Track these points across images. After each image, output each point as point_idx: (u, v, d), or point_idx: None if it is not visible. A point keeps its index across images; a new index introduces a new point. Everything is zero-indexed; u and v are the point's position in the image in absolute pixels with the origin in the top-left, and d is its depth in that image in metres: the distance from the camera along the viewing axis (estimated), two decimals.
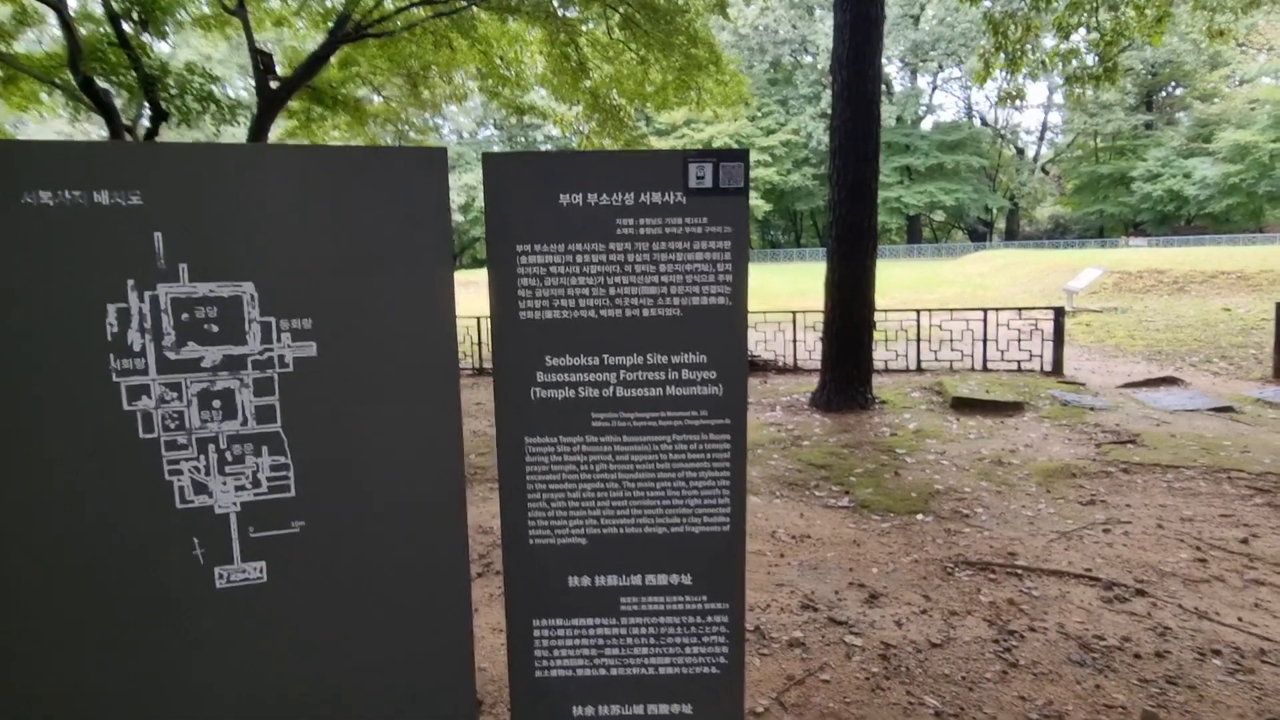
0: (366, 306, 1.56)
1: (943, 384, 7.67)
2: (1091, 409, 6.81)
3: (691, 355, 1.71)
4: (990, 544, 4.25)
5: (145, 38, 11.41)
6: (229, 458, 1.52)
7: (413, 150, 1.56)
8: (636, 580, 1.81)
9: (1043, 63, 11.83)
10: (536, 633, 1.81)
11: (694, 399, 1.72)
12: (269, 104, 10.92)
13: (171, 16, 8.42)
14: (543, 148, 56.27)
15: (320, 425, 1.56)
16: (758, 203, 51.76)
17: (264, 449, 1.53)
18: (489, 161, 1.64)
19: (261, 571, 1.56)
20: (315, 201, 1.50)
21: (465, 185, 49.65)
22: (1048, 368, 8.55)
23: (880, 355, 9.11)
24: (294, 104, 13.12)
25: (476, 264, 54.91)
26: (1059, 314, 8.44)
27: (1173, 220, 50.28)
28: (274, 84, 10.94)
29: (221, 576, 1.54)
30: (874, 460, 5.78)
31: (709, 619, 1.82)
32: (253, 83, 11.10)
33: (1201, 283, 17.10)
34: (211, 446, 1.51)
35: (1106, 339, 11.46)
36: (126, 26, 5.89)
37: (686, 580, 1.81)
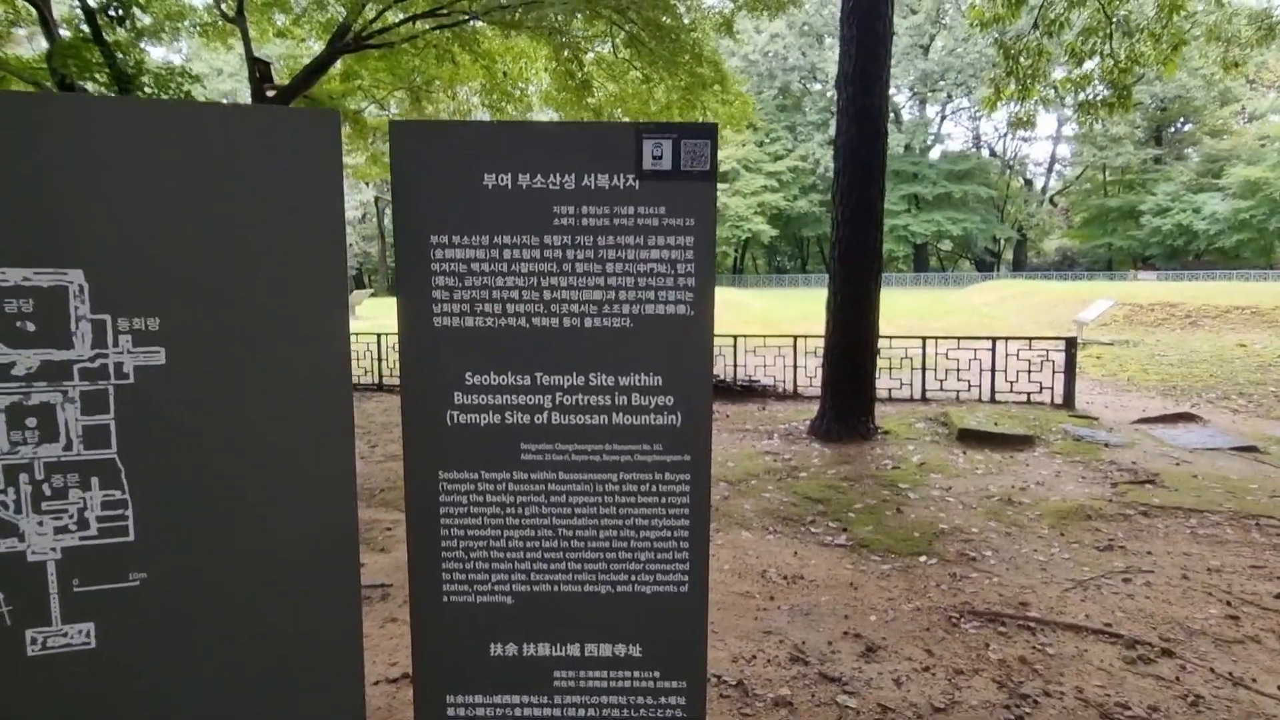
0: (233, 303, 1.24)
1: (949, 415, 7.32)
2: (1106, 445, 6.45)
3: (644, 376, 1.39)
4: (1000, 592, 3.89)
5: (144, 45, 11.29)
6: (47, 491, 1.20)
7: (298, 112, 1.26)
8: (574, 650, 1.47)
9: (1055, 89, 11.62)
10: (451, 712, 1.47)
11: (647, 430, 1.40)
12: None
13: (147, 11, 8.20)
14: None
15: (169, 452, 1.24)
16: (763, 228, 51.67)
17: (94, 481, 1.21)
18: (396, 131, 1.34)
19: (88, 635, 1.23)
20: (170, 170, 1.19)
21: None
22: (1059, 400, 8.19)
23: (884, 383, 8.77)
24: None
25: None
26: (1071, 345, 8.11)
27: (1182, 255, 49.98)
28: (270, 92, 10.76)
29: (35, 641, 1.21)
30: (875, 495, 5.43)
31: (662, 700, 1.48)
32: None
33: (1214, 317, 16.73)
34: (24, 476, 1.19)
35: (1119, 372, 11.09)
36: (103, 22, 5.72)
37: (635, 651, 1.47)
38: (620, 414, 1.40)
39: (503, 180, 1.34)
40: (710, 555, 4.32)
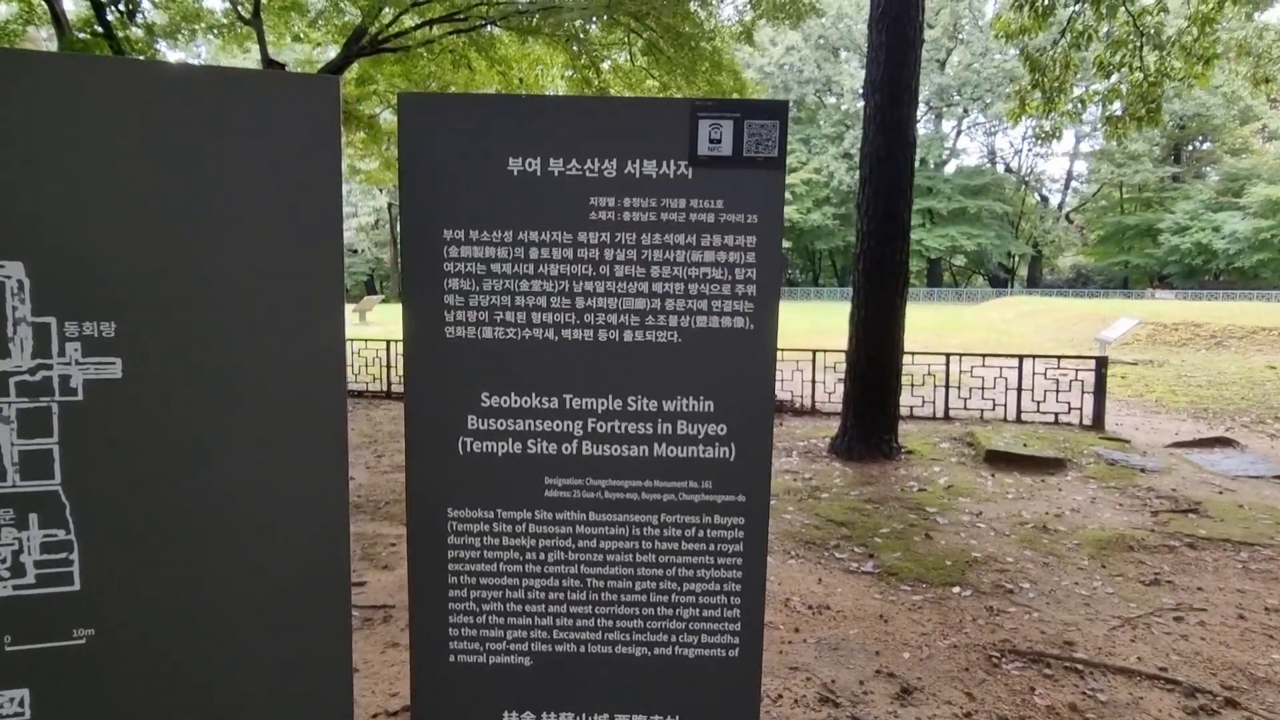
0: (206, 303, 1.03)
1: (974, 435, 7.06)
2: (1142, 470, 6.17)
3: (693, 400, 1.17)
4: (1041, 629, 3.63)
5: (161, 47, 11.21)
6: None
7: (289, 76, 1.05)
8: None
9: (1081, 102, 11.38)
10: None
11: (695, 464, 1.18)
12: None
13: (160, 8, 8.03)
14: None
15: (124, 484, 1.02)
16: (786, 243, 51.36)
17: (32, 518, 1.00)
18: (407, 104, 1.13)
19: (21, 704, 1.02)
20: (133, 142, 0.99)
21: None
22: (1088, 422, 7.91)
23: (905, 400, 8.50)
24: None
25: None
26: (1101, 365, 7.83)
27: (1200, 274, 49.43)
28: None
29: None
30: (901, 519, 5.17)
31: None
32: None
33: (1241, 338, 16.36)
34: None
35: (1146, 393, 10.78)
36: (114, 19, 5.57)
37: None
38: (664, 445, 1.18)
39: (531, 165, 1.13)
40: None
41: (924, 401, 8.53)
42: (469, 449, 1.18)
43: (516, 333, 1.16)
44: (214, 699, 1.10)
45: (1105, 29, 10.48)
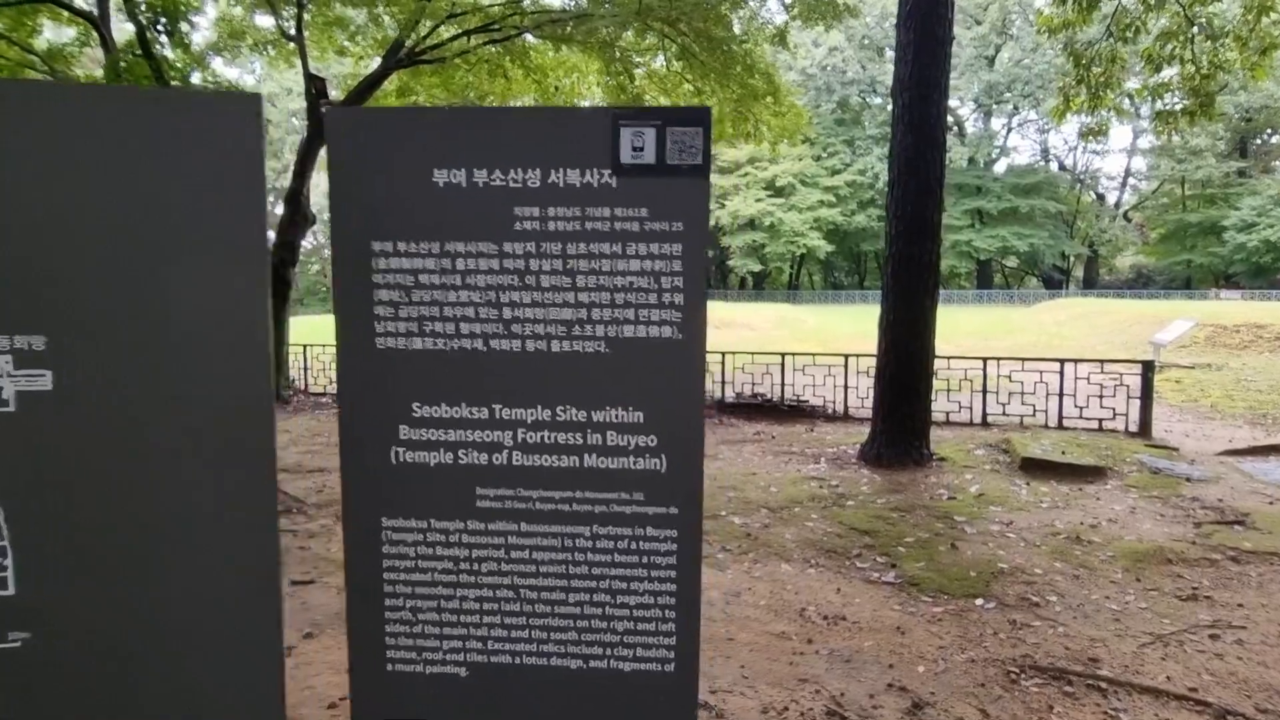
0: (134, 316, 1.06)
1: (1011, 442, 6.85)
2: (1187, 479, 5.91)
3: (622, 411, 1.16)
4: (1066, 644, 3.50)
5: (213, 60, 11.65)
6: None
7: (213, 94, 1.08)
8: None
9: (1130, 97, 11.00)
10: None
11: (625, 475, 1.17)
12: (319, 127, 10.91)
13: (197, 28, 8.31)
14: None
15: (58, 492, 1.06)
16: (819, 243, 50.85)
17: None
18: (333, 120, 1.14)
19: None
20: (62, 159, 1.02)
21: None
22: (1133, 428, 7.61)
23: (941, 406, 8.31)
24: None
25: None
26: (1147, 368, 7.53)
27: (1269, 273, 47.17)
28: (325, 108, 10.94)
29: None
30: (927, 528, 5.05)
31: None
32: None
33: None
34: None
35: (1200, 399, 10.32)
36: (151, 37, 5.82)
37: None
38: (593, 455, 1.17)
39: (455, 176, 1.13)
40: (747, 589, 4.02)
41: (960, 407, 8.33)
42: (401, 459, 1.19)
43: (446, 343, 1.16)
44: (148, 702, 1.13)
45: (1154, 21, 10.11)
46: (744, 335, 22.48)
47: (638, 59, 13.03)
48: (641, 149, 1.10)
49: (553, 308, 1.15)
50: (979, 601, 3.96)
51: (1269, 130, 50.65)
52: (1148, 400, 7.54)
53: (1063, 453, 6.43)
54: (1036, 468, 6.14)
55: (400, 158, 1.13)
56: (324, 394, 11.11)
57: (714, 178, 53.47)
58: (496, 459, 1.18)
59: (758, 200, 50.19)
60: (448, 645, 1.22)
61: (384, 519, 1.20)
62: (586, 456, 1.17)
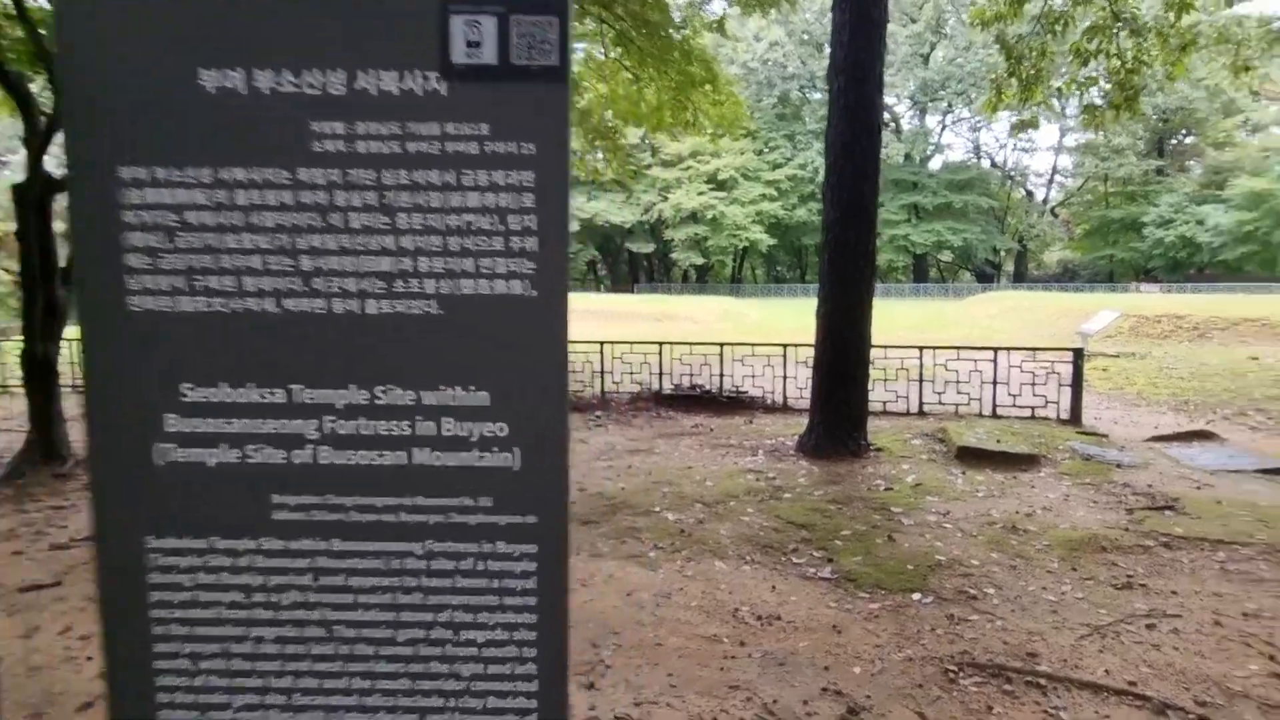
0: None
1: (947, 431, 6.81)
2: (1118, 465, 5.93)
3: (461, 391, 0.89)
4: (1004, 638, 3.38)
5: None
6: None
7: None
8: None
9: (1059, 90, 11.18)
10: None
11: (468, 475, 0.90)
12: None
13: None
14: None
15: None
16: (761, 236, 51.25)
17: None
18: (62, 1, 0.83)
19: None
20: None
21: None
22: (1064, 415, 7.68)
23: (878, 396, 8.26)
24: None
25: None
26: (1078, 356, 7.59)
27: (1185, 267, 49.58)
28: None
29: None
30: (865, 520, 4.91)
31: None
32: None
33: (1224, 329, 16.21)
34: None
35: (1126, 386, 10.57)
36: None
37: None
38: (427, 450, 0.90)
39: (231, 79, 0.84)
40: (679, 589, 3.78)
41: (897, 396, 8.29)
42: (169, 459, 0.89)
43: (225, 303, 0.87)
44: None
45: (1082, 16, 10.28)
46: (687, 328, 22.35)
47: (575, 44, 12.72)
48: (478, 44, 0.83)
49: (366, 256, 0.87)
50: (916, 596, 3.82)
51: (1184, 130, 53.13)
52: (1078, 388, 7.61)
53: (998, 441, 6.41)
54: (972, 456, 6.09)
55: (156, 51, 0.84)
56: None
57: (656, 170, 53.34)
58: (298, 457, 0.90)
59: (700, 194, 50.29)
60: (241, 701, 0.93)
61: (148, 539, 0.91)
62: (417, 452, 0.90)
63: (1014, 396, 7.92)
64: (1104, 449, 6.40)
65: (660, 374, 8.95)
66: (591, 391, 9.20)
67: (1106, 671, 3.07)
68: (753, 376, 8.85)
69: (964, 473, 5.84)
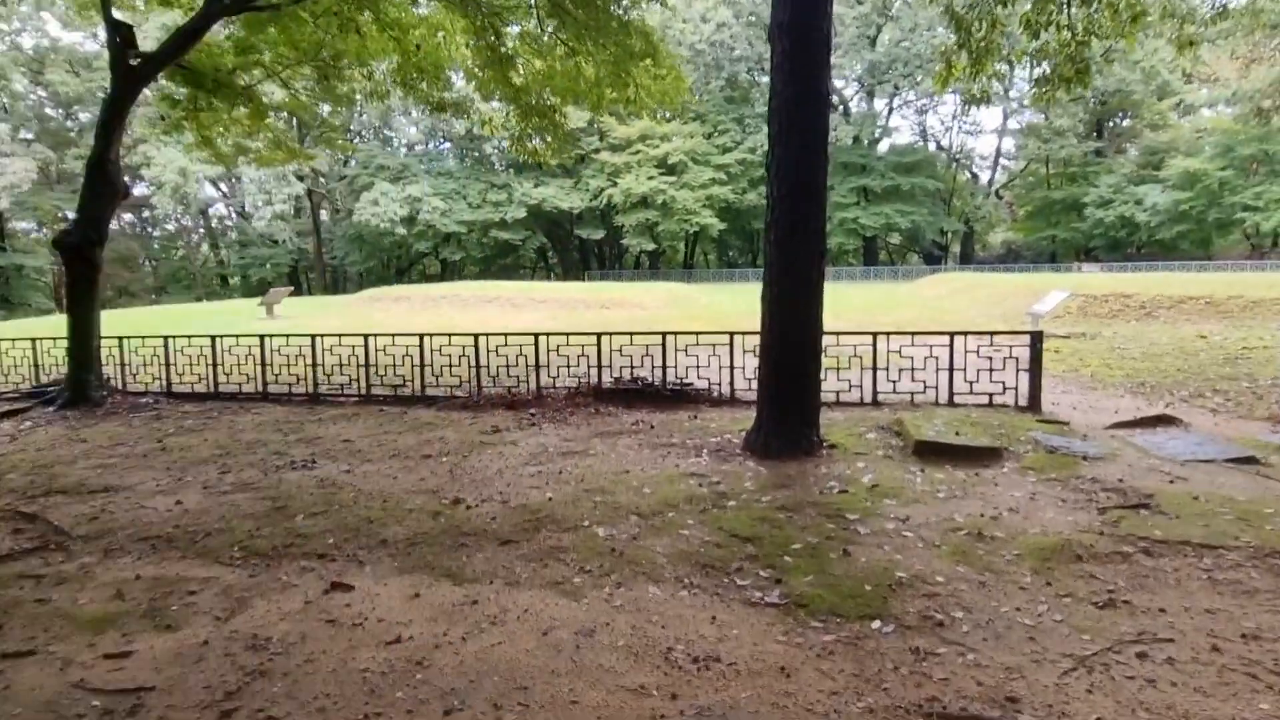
0: None
1: (903, 423, 6.36)
2: (1084, 458, 5.54)
3: None
4: (978, 676, 2.89)
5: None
6: None
7: None
8: None
9: (1009, 62, 10.85)
10: None
11: None
12: (126, 82, 9.28)
13: None
14: (492, 158, 54.85)
15: None
16: (712, 221, 50.85)
17: None
18: None
19: None
20: None
21: (409, 197, 47.58)
22: (1023, 402, 7.31)
23: (831, 385, 7.79)
24: (182, 91, 11.49)
25: (425, 279, 52.88)
26: (1036, 340, 7.22)
27: (1124, 246, 50.81)
28: (134, 60, 9.32)
29: None
30: (817, 530, 4.40)
31: None
32: None
33: (1169, 308, 16.27)
34: None
35: (1080, 368, 10.32)
36: None
37: None
38: None
39: None
40: (605, 624, 3.12)
41: (851, 386, 7.84)
42: None
43: None
44: None
45: None
46: (635, 315, 21.78)
47: (506, 16, 11.95)
48: None
49: None
50: (876, 625, 3.31)
51: (1121, 113, 54.29)
52: (1037, 373, 7.24)
53: (956, 433, 5.98)
54: (931, 452, 5.65)
55: None
56: (145, 393, 9.57)
57: (605, 155, 52.73)
58: None
59: (650, 178, 49.62)
60: None
61: None
62: None
63: (971, 383, 7.53)
64: (1068, 439, 6.02)
65: (599, 366, 8.35)
66: (528, 387, 8.56)
67: (1099, 719, 2.60)
68: (698, 367, 8.30)
69: (923, 470, 5.38)
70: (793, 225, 5.71)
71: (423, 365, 8.81)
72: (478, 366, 8.68)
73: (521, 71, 12.77)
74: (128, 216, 52.80)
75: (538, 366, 8.55)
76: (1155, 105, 50.15)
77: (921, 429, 6.05)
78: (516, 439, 6.85)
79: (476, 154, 55.87)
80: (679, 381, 8.16)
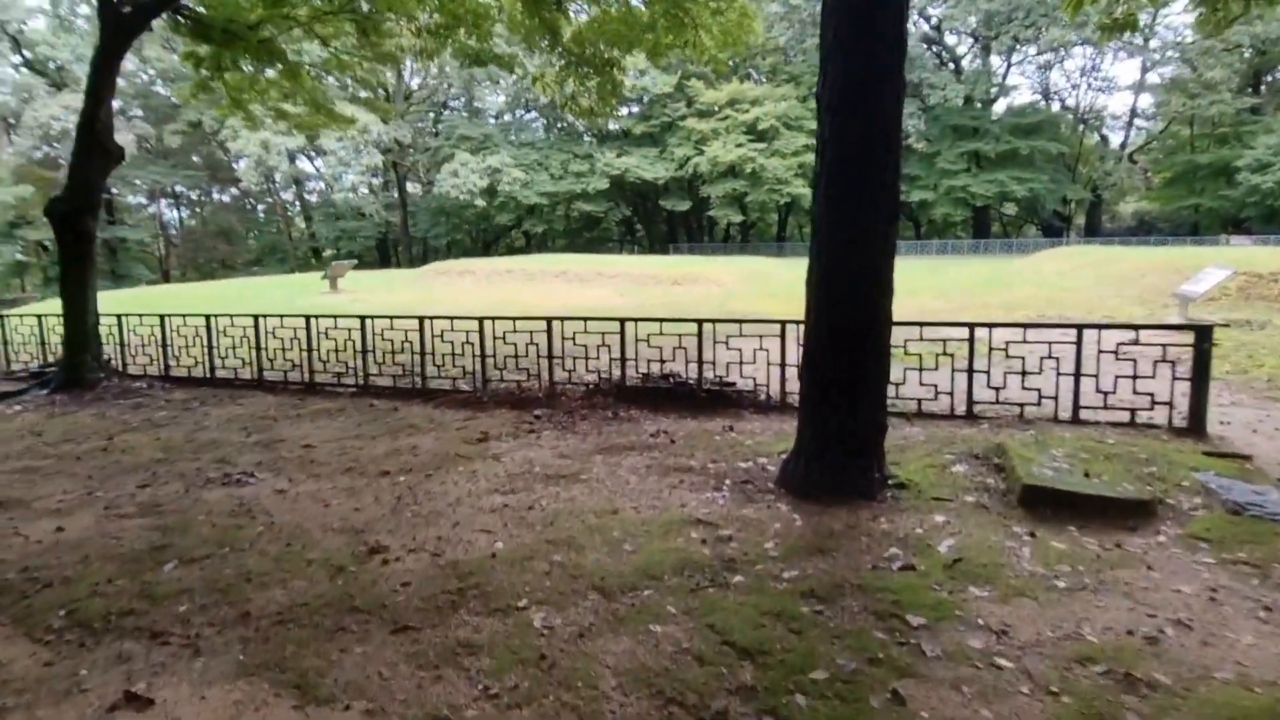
0: None
1: (1007, 452, 4.61)
2: None
3: None
4: None
5: None
6: None
7: None
8: None
9: None
10: None
11: None
12: (117, 33, 8.42)
13: None
14: (578, 125, 53.58)
15: None
16: (804, 191, 47.91)
17: None
18: None
19: None
20: None
21: (489, 168, 46.97)
22: (1180, 421, 5.37)
23: (910, 391, 6.06)
24: (201, 49, 10.67)
25: (510, 252, 52.54)
26: (1203, 338, 5.25)
27: None
28: (126, 9, 8.44)
29: None
30: (857, 642, 2.83)
31: None
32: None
33: None
34: None
35: (1250, 369, 8.05)
36: None
37: None
38: None
39: None
40: None
41: (937, 392, 6.05)
42: None
43: None
44: None
45: None
46: (709, 291, 20.09)
47: None
48: None
49: None
50: None
51: None
52: (1202, 383, 5.27)
53: (1085, 474, 4.19)
54: (1047, 502, 3.92)
55: None
56: (141, 376, 8.82)
57: (691, 122, 50.40)
58: None
59: (738, 145, 47.11)
60: None
61: None
62: None
63: (1105, 394, 5.62)
64: (1256, 487, 4.14)
65: (623, 359, 6.88)
66: (539, 381, 7.21)
67: None
68: (740, 363, 6.70)
69: (1033, 535, 3.67)
70: (851, 176, 4.05)
71: (423, 354, 7.60)
72: (483, 356, 7.39)
73: (571, 19, 11.41)
74: (233, 190, 54.84)
75: (550, 358, 7.17)
76: None
77: (1033, 464, 4.30)
78: (501, 452, 5.51)
79: (561, 124, 54.73)
80: (718, 380, 6.61)
